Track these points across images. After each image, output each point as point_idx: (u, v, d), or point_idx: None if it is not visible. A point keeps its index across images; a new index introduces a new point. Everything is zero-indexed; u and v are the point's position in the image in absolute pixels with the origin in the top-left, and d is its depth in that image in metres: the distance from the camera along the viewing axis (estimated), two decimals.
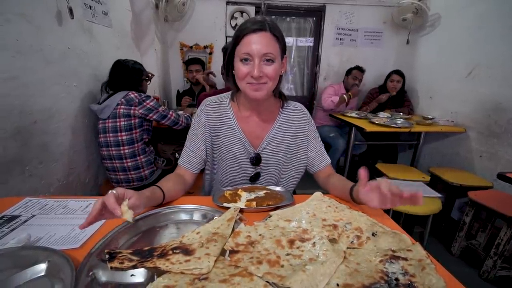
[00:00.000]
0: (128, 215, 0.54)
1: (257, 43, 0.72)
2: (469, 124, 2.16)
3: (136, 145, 1.57)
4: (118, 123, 1.51)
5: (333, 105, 2.59)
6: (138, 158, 1.58)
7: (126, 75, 1.58)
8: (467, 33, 2.22)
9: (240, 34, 0.74)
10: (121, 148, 1.53)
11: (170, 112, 1.69)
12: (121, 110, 1.50)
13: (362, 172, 0.65)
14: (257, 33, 0.72)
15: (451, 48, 2.39)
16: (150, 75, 1.83)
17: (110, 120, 1.51)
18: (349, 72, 2.75)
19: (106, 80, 1.61)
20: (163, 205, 0.72)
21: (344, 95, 2.54)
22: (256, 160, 0.89)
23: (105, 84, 1.62)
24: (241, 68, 0.75)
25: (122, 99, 1.50)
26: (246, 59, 0.74)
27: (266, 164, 0.92)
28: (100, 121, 1.54)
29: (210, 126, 0.88)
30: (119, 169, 1.57)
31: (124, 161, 1.55)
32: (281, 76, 0.82)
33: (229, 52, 0.79)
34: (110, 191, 0.55)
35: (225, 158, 0.91)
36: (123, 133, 1.52)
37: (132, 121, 1.53)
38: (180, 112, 1.92)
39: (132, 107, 1.51)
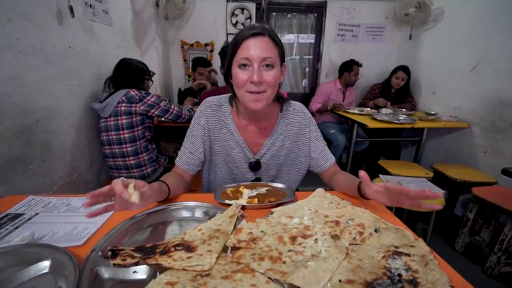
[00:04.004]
0: (135, 196, 0.54)
1: (256, 48, 0.69)
2: (473, 119, 2.14)
3: (138, 142, 1.57)
4: (119, 121, 1.51)
5: (312, 110, 2.73)
6: (140, 156, 1.59)
7: (128, 74, 1.59)
8: (471, 27, 2.19)
9: (238, 39, 0.71)
10: (124, 146, 1.54)
11: (172, 106, 1.68)
12: (123, 108, 1.50)
13: (363, 174, 0.65)
14: (256, 37, 0.70)
15: (455, 43, 2.35)
16: (151, 73, 1.83)
17: (111, 119, 1.51)
18: (348, 68, 2.69)
19: (110, 75, 1.63)
20: (166, 202, 0.72)
21: (329, 106, 2.59)
22: (255, 165, 0.88)
23: (109, 79, 1.63)
24: (239, 75, 0.72)
25: (123, 97, 1.50)
26: (245, 65, 0.71)
27: (266, 169, 0.91)
28: (102, 120, 1.55)
29: (209, 128, 0.87)
30: (121, 167, 1.58)
31: (127, 159, 1.56)
32: (280, 84, 0.79)
33: (227, 60, 0.76)
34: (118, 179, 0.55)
35: (224, 162, 0.90)
36: (125, 131, 1.52)
37: (134, 119, 1.54)
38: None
39: (133, 105, 1.51)
